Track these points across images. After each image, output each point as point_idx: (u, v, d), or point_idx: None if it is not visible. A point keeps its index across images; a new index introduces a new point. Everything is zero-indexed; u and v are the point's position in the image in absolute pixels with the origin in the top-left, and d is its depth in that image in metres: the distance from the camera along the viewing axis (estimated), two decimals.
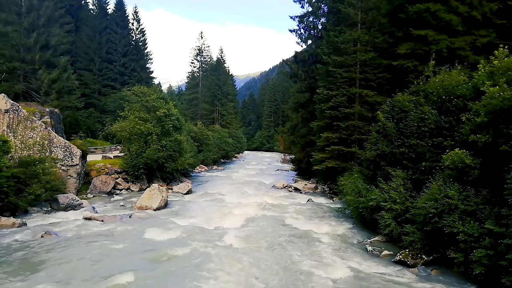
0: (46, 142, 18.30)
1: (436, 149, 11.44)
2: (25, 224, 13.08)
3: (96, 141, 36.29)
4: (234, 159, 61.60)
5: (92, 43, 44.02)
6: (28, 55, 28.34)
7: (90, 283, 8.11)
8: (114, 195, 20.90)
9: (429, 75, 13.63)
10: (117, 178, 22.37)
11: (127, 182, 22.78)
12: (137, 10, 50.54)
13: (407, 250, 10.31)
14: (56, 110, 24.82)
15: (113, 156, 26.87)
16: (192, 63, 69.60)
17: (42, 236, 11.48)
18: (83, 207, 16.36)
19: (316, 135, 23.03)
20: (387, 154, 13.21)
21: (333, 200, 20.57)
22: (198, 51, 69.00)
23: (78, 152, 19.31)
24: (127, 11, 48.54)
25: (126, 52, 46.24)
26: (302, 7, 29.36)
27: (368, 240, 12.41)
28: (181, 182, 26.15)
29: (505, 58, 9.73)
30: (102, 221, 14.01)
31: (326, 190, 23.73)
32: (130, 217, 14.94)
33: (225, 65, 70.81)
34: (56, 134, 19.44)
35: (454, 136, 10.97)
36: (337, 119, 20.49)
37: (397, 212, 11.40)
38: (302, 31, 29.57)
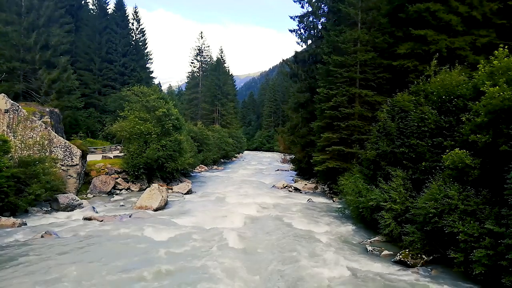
0: (46, 142, 18.30)
1: (436, 149, 11.44)
2: (25, 224, 13.08)
3: (96, 141, 36.31)
4: (234, 159, 61.60)
5: (92, 43, 44.05)
6: (28, 55, 28.35)
7: (90, 283, 8.10)
8: (114, 195, 20.89)
9: (429, 75, 13.64)
10: (117, 178, 22.37)
11: (127, 182, 22.78)
12: (137, 10, 50.68)
13: (407, 250, 10.30)
14: (56, 110, 24.82)
15: (113, 156, 26.87)
16: (192, 63, 69.72)
17: (42, 236, 11.47)
18: (83, 207, 16.35)
19: (316, 135, 23.03)
20: (387, 153, 13.21)
21: (333, 200, 20.57)
22: (198, 51, 69.09)
23: (78, 152, 19.31)
24: (127, 11, 48.66)
25: (126, 52, 46.28)
26: (302, 7, 29.35)
27: (368, 240, 12.41)
28: (181, 182, 26.15)
29: (505, 58, 9.72)
30: (102, 221, 14.01)
31: (326, 190, 23.73)
32: (130, 217, 14.94)
33: (225, 65, 70.89)
34: (56, 134, 19.43)
35: (454, 136, 10.96)
36: (337, 119, 20.48)
37: (397, 212, 11.40)
38: (302, 31, 29.56)
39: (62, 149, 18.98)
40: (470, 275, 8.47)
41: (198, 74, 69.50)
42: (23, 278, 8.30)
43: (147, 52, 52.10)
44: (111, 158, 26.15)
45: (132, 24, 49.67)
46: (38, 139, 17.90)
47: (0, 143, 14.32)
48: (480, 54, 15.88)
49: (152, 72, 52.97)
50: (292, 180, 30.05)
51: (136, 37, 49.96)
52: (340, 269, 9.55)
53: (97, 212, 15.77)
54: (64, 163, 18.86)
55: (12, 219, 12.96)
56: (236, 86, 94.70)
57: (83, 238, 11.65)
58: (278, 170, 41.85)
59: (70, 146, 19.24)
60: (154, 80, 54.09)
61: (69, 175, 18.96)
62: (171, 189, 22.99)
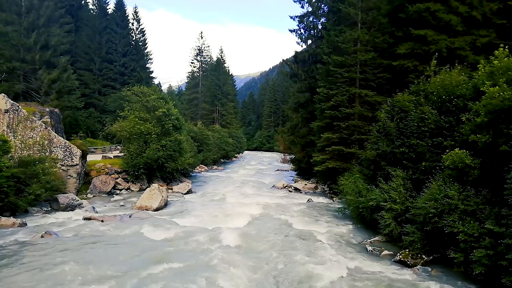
0: (46, 142, 18.30)
1: (436, 149, 11.44)
2: (25, 224, 13.08)
3: (96, 141, 36.32)
4: (234, 159, 61.60)
5: (92, 43, 44.06)
6: (28, 55, 28.36)
7: (90, 284, 8.10)
8: (114, 195, 20.89)
9: (429, 75, 13.64)
10: (117, 178, 22.37)
11: (127, 182, 22.78)
12: (137, 10, 50.68)
13: (407, 250, 10.31)
14: (56, 110, 24.83)
15: (113, 156, 26.88)
16: (192, 63, 69.75)
17: (42, 236, 11.48)
18: (83, 207, 16.35)
19: (316, 135, 23.03)
20: (387, 154, 13.21)
21: (333, 200, 20.57)
22: (198, 51, 69.13)
23: (78, 152, 19.31)
24: (127, 11, 48.67)
25: (126, 52, 46.28)
26: (302, 7, 29.34)
27: (368, 240, 12.41)
28: (181, 182, 26.15)
29: (505, 58, 9.72)
30: (102, 221, 14.01)
31: (326, 190, 23.73)
32: (130, 217, 14.94)
33: (225, 65, 70.93)
34: (56, 134, 19.44)
35: (454, 136, 10.96)
36: (337, 119, 20.48)
37: (397, 212, 11.40)
38: (302, 31, 29.55)
39: (62, 149, 18.98)
40: (470, 275, 8.47)
41: (198, 74, 69.52)
42: (23, 278, 8.30)
43: (147, 52, 52.12)
44: (111, 158, 26.15)
45: (132, 24, 49.69)
46: (38, 139, 17.89)
47: (0, 143, 14.32)
48: (480, 54, 15.88)
49: (152, 72, 53.00)
50: (292, 180, 30.05)
51: (136, 37, 49.96)
52: (340, 268, 9.55)
53: (97, 212, 15.78)
54: (64, 163, 18.85)
55: (12, 219, 12.96)
56: (236, 86, 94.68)
57: (83, 238, 11.66)
58: (278, 170, 41.85)
59: (70, 146, 19.24)
60: (154, 80, 54.11)
61: (69, 175, 18.96)
62: (171, 189, 22.99)
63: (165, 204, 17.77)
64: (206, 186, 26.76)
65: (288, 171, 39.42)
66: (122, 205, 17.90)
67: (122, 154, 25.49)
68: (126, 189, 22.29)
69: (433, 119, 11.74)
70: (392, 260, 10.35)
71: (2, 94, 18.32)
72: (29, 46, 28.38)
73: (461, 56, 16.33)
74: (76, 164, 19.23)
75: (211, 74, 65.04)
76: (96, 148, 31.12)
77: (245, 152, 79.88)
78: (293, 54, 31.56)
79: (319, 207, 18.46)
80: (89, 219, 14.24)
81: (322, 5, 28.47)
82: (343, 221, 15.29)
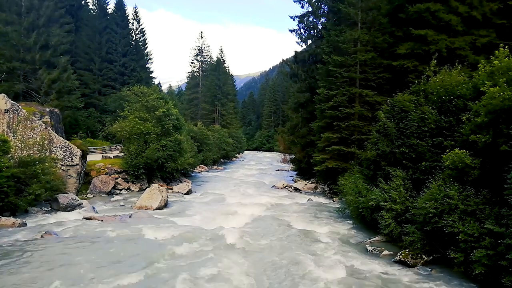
0: (46, 142, 18.29)
1: (436, 149, 11.45)
2: (25, 224, 13.07)
3: (96, 141, 36.33)
4: (234, 159, 61.60)
5: (92, 43, 44.08)
6: (28, 55, 28.37)
7: (90, 283, 8.10)
8: (114, 195, 20.89)
9: (429, 75, 13.64)
10: (117, 178, 22.36)
11: (127, 182, 22.77)
12: (137, 10, 50.69)
13: (407, 250, 10.30)
14: (56, 110, 24.83)
15: (113, 156, 26.87)
16: (192, 63, 69.80)
17: (42, 236, 11.47)
18: (83, 207, 16.34)
19: (316, 135, 23.03)
20: (387, 154, 13.20)
21: (333, 200, 20.57)
22: (198, 51, 69.18)
23: (78, 152, 19.30)
24: (127, 11, 48.69)
25: (126, 52, 46.29)
26: (302, 7, 29.37)
27: (368, 240, 12.41)
28: (181, 182, 26.14)
29: (505, 58, 9.73)
30: (102, 221, 14.00)
31: (326, 190, 23.73)
32: (130, 217, 14.93)
33: (225, 65, 70.95)
34: (56, 134, 19.43)
35: (454, 136, 10.96)
36: (337, 119, 20.48)
37: (397, 212, 11.40)
38: (302, 31, 29.57)
39: (62, 149, 18.97)
40: (470, 275, 8.48)
41: (198, 74, 69.55)
42: (23, 277, 8.30)
43: (147, 52, 52.13)
44: (111, 158, 26.14)
45: (132, 24, 49.71)
46: (38, 139, 17.88)
47: (0, 143, 14.31)
48: (480, 54, 15.88)
49: (152, 72, 53.01)
50: (292, 180, 30.06)
51: (136, 37, 49.98)
52: (340, 269, 9.56)
53: (97, 212, 15.77)
54: (64, 163, 18.85)
55: (12, 219, 12.96)
56: (236, 86, 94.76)
57: (83, 238, 11.65)
58: (278, 170, 41.87)
59: (70, 146, 19.23)
60: (154, 80, 54.11)
61: (69, 175, 18.95)
62: (171, 189, 22.98)
63: (165, 204, 17.76)
64: (206, 186, 26.75)
65: (288, 171, 39.44)
66: (122, 205, 17.90)
67: (122, 154, 25.48)
68: (126, 189, 22.28)
69: (433, 119, 11.75)
70: (392, 260, 10.34)
71: (2, 94, 18.31)
72: (29, 46, 28.39)
73: (461, 56, 16.34)
74: (76, 164, 19.22)
75: (211, 74, 65.07)
76: (96, 148, 31.12)
77: (245, 152, 79.90)
78: (293, 54, 31.57)
79: (319, 207, 18.46)
80: (89, 219, 14.23)
81: (322, 5, 28.48)
82: (343, 221, 15.29)
